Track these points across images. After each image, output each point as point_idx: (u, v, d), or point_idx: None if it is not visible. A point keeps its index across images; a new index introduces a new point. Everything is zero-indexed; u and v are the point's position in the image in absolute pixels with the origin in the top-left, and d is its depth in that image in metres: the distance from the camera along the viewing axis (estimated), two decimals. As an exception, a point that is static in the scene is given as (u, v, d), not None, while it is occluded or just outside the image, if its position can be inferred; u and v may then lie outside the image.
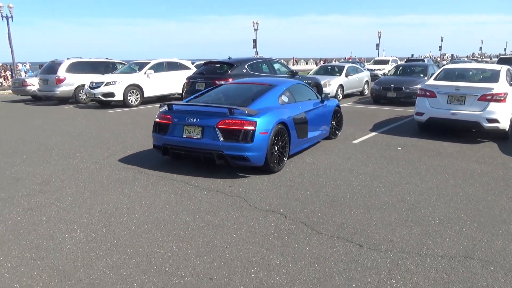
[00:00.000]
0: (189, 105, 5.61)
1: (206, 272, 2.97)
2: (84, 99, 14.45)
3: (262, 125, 5.04)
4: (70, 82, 14.26)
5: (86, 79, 14.05)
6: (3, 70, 30.27)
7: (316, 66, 48.99)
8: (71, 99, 14.60)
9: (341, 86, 15.02)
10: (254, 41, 43.15)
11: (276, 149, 5.37)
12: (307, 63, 64.52)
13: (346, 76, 15.49)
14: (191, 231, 3.66)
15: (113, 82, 13.08)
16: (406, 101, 13.24)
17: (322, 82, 13.25)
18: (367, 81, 17.28)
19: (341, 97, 15.02)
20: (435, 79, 8.65)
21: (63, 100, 14.77)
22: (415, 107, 8.49)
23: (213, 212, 4.10)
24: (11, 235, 3.59)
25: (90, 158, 6.37)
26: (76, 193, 4.71)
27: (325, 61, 51.81)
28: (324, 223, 3.84)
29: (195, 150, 5.21)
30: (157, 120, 5.56)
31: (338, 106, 7.82)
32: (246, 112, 5.06)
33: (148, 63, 14.41)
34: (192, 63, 17.38)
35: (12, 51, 25.67)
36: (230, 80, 9.69)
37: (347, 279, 2.88)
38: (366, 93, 17.00)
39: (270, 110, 5.39)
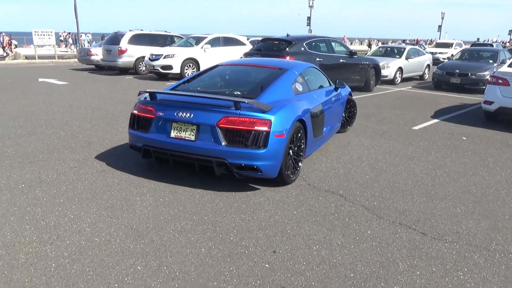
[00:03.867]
0: (178, 95, 4.24)
1: (269, 245, 3.06)
2: (144, 71, 15.02)
3: (278, 125, 3.86)
4: (131, 53, 14.85)
5: (146, 51, 14.57)
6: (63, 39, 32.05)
7: (369, 47, 46.95)
8: (131, 69, 15.23)
9: (400, 69, 14.37)
10: (308, 18, 42.17)
11: (291, 154, 4.22)
12: (361, 43, 62.18)
13: (407, 58, 14.77)
14: (252, 205, 3.77)
15: (172, 55, 13.45)
16: (471, 88, 12.46)
17: (380, 64, 12.75)
18: (428, 65, 16.38)
19: (399, 80, 14.42)
20: (509, 66, 8.02)
21: (124, 70, 15.45)
22: (484, 95, 7.97)
23: (272, 188, 4.18)
24: (88, 194, 3.90)
25: (153, 128, 6.66)
26: (143, 160, 4.98)
27: (371, 43, 49.65)
28: (385, 208, 3.79)
29: (186, 156, 3.96)
30: (135, 112, 4.30)
31: (350, 94, 6.69)
32: (258, 106, 3.82)
33: (205, 37, 14.61)
34: (247, 39, 17.37)
35: (77, 22, 27.04)
36: (288, 58, 9.61)
37: (411, 266, 2.85)
38: (426, 78, 16.17)
39: (286, 104, 4.18)
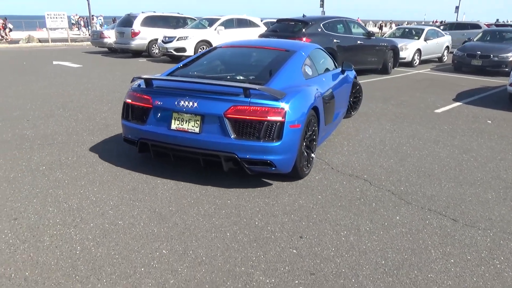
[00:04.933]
0: (178, 81, 3.77)
1: (296, 230, 2.98)
2: (157, 53, 14.89)
3: (293, 114, 3.45)
4: (144, 35, 14.70)
5: (159, 33, 14.42)
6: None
7: (380, 30, 45.79)
8: (145, 52, 15.11)
9: (418, 50, 13.97)
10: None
11: (305, 145, 3.82)
12: (375, 25, 60.84)
13: (425, 40, 14.34)
14: (275, 189, 3.69)
15: (185, 37, 13.28)
16: (493, 70, 12.06)
17: (398, 46, 12.40)
18: (447, 47, 15.91)
19: (417, 62, 14.03)
20: (537, 46, 7.69)
21: (137, 53, 15.34)
22: (509, 77, 7.68)
23: (295, 172, 4.08)
24: (109, 176, 3.86)
25: (169, 110, 6.58)
26: (161, 142, 4.91)
27: (382, 25, 48.62)
28: (413, 194, 3.67)
29: (190, 150, 3.57)
30: (129, 101, 3.86)
31: (355, 77, 6.24)
32: (270, 93, 3.39)
33: (218, 19, 14.36)
34: (261, 21, 17.05)
35: (88, 5, 26.89)
36: (304, 39, 9.37)
37: (444, 253, 2.75)
38: (445, 60, 15.73)
39: (300, 90, 3.74)
